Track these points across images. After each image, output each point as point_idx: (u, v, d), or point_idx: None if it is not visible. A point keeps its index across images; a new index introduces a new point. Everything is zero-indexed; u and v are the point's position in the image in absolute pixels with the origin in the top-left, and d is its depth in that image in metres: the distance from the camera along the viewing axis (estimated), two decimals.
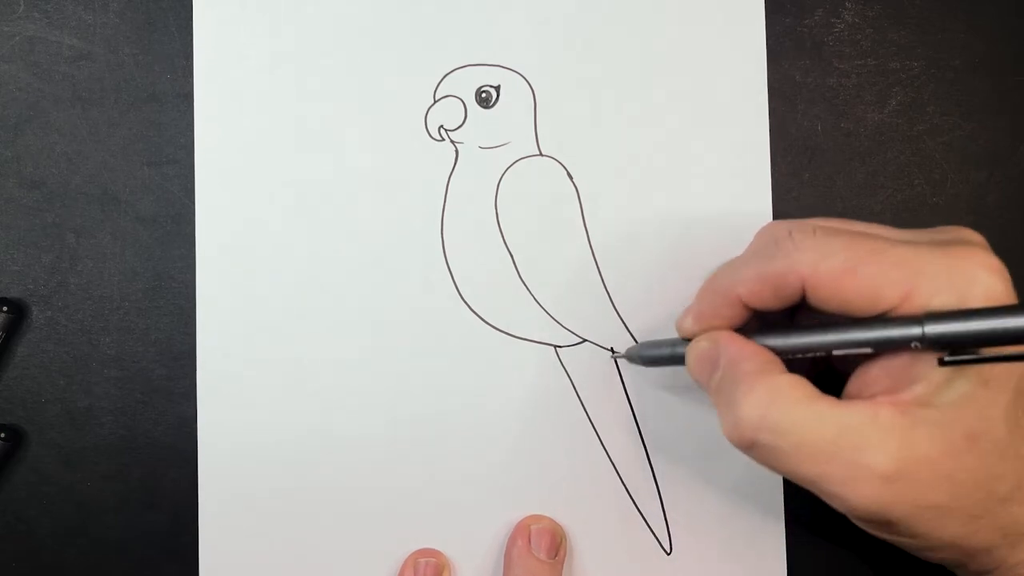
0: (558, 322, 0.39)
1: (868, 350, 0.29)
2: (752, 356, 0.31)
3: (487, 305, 0.39)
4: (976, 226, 0.39)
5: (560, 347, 0.39)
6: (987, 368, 0.28)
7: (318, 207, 0.38)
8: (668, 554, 0.38)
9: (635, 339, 0.39)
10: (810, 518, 0.39)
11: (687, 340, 0.33)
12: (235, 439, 0.38)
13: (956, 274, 0.28)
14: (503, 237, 0.39)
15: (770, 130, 0.39)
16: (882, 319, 0.29)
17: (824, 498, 0.30)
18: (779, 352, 0.31)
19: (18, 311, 0.38)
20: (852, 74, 0.40)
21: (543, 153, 0.39)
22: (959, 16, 0.40)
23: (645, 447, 0.39)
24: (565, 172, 0.39)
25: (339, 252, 0.38)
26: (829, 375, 0.34)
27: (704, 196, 0.39)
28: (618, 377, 0.39)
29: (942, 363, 0.27)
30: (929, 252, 0.29)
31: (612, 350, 0.38)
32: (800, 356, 0.31)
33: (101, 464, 0.38)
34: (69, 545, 0.38)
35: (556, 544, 0.37)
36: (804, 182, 0.39)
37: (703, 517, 0.39)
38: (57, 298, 0.38)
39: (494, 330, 0.39)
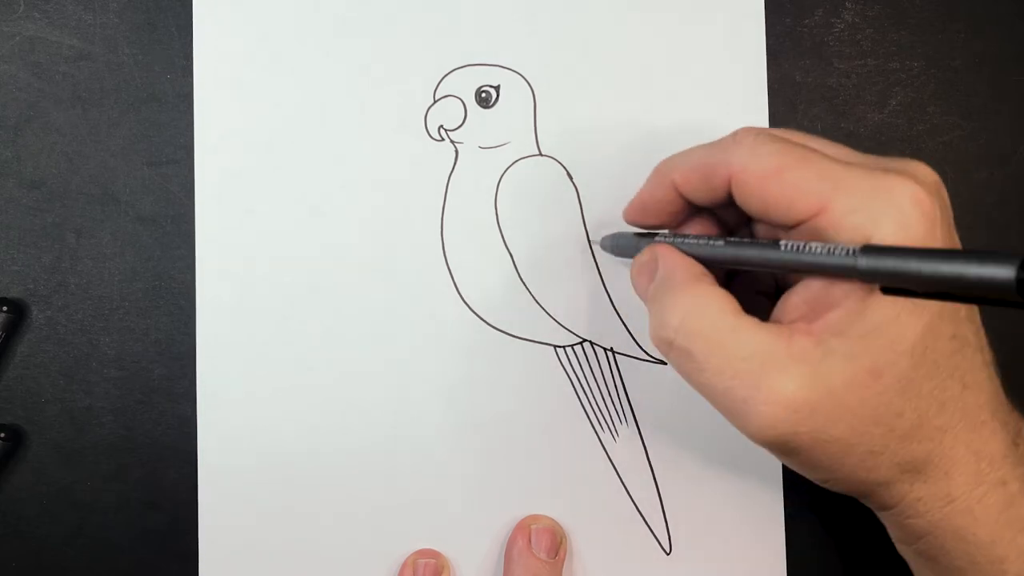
0: (558, 322, 0.39)
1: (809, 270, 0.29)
2: (685, 267, 0.32)
3: (487, 305, 0.39)
4: (976, 226, 0.40)
5: (560, 347, 0.39)
6: (901, 303, 0.28)
7: (318, 207, 0.38)
8: (668, 554, 0.38)
9: (635, 339, 0.39)
10: (810, 519, 0.39)
11: (648, 236, 0.34)
12: (235, 439, 0.38)
13: (876, 197, 0.28)
14: (503, 237, 0.39)
15: None
16: (823, 244, 0.28)
17: (728, 417, 0.30)
18: (719, 262, 0.32)
19: (18, 311, 0.38)
20: (852, 74, 0.40)
21: (543, 153, 0.39)
22: (959, 16, 0.40)
23: (645, 447, 0.39)
24: (565, 172, 0.39)
25: (339, 252, 0.38)
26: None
27: None
28: (618, 377, 0.39)
29: (884, 291, 0.27)
30: (859, 171, 0.29)
31: (611, 349, 0.38)
32: (732, 267, 0.32)
33: (101, 464, 0.38)
34: (69, 545, 0.38)
35: (556, 544, 0.37)
36: None
37: (703, 517, 0.39)
38: (57, 298, 0.38)
39: (494, 330, 0.39)
